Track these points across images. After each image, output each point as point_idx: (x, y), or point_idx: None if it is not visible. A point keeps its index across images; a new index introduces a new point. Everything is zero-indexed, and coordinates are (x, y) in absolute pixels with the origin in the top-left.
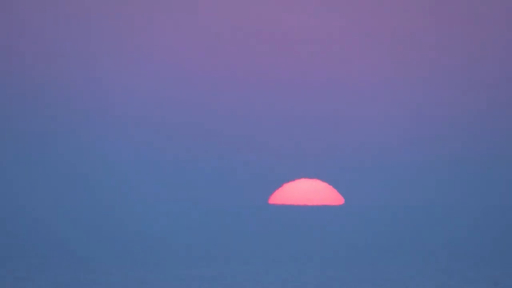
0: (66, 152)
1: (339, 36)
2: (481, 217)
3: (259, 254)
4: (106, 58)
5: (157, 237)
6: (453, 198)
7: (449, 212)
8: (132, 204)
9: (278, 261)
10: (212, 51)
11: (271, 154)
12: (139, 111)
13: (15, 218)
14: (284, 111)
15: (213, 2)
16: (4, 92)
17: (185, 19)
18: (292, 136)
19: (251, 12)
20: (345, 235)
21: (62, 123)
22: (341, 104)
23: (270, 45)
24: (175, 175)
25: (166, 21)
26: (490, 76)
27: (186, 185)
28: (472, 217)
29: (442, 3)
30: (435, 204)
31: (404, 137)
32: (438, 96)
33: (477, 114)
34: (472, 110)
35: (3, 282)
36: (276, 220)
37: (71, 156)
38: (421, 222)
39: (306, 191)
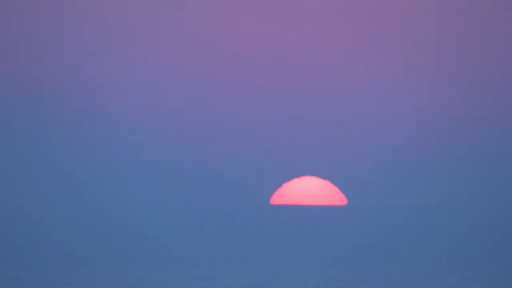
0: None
1: (343, 36)
2: (484, 217)
3: (259, 254)
4: (104, 59)
5: (157, 238)
6: (455, 198)
7: (451, 212)
8: (132, 204)
9: (278, 261)
10: (212, 51)
11: (272, 154)
12: (139, 111)
13: (11, 218)
14: (286, 110)
15: (212, 3)
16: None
17: (184, 19)
18: (295, 136)
19: (251, 13)
20: (347, 236)
21: (61, 123)
22: (344, 104)
23: (270, 44)
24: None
25: (164, 22)
26: (495, 76)
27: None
28: (475, 218)
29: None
30: (437, 205)
31: (408, 137)
32: (443, 97)
33: (482, 114)
34: (477, 111)
35: (2, 282)
36: (277, 220)
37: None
38: (423, 223)
39: (309, 191)
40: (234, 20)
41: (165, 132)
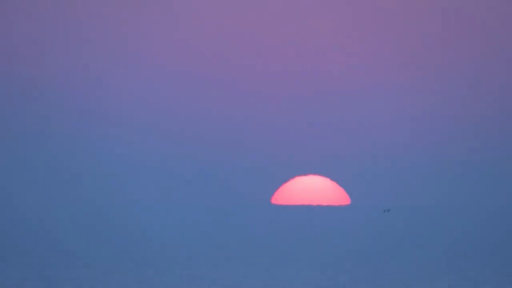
0: (65, 152)
1: (348, 35)
2: (487, 218)
3: (260, 254)
4: (104, 58)
5: (158, 238)
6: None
7: (454, 212)
8: (133, 204)
9: (279, 261)
10: (212, 50)
11: (272, 154)
12: (139, 111)
13: (8, 218)
14: (286, 110)
15: (211, 3)
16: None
17: (183, 20)
18: (295, 136)
19: (251, 13)
20: (348, 236)
21: (59, 123)
22: (346, 104)
23: (270, 43)
24: (176, 175)
25: (163, 22)
26: (498, 77)
27: (187, 185)
28: (478, 218)
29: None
30: (439, 205)
31: (411, 137)
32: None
33: (485, 115)
34: (480, 111)
35: (2, 282)
36: (278, 220)
37: (71, 156)
38: (425, 223)
39: (310, 190)
40: (233, 20)
41: (165, 132)
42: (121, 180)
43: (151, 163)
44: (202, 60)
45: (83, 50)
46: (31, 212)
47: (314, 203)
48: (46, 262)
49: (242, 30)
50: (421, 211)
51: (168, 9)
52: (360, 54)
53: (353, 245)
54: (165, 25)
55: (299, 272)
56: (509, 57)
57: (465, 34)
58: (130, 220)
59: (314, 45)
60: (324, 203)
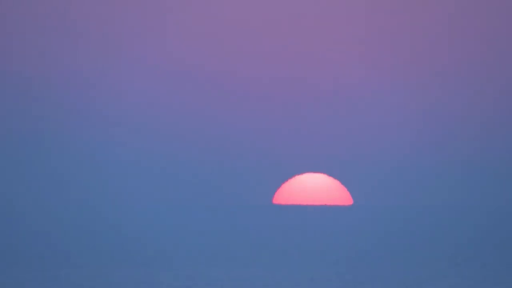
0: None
1: (354, 33)
2: (491, 218)
3: (260, 254)
4: (101, 58)
5: (158, 238)
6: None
7: (456, 212)
8: (133, 204)
9: (279, 262)
10: (212, 49)
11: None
12: (138, 110)
13: (10, 219)
14: (286, 110)
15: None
16: None
17: (182, 20)
18: (295, 136)
19: (251, 9)
20: (349, 237)
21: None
22: (348, 104)
23: (270, 43)
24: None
25: (162, 21)
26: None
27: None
28: (481, 218)
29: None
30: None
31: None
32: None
33: (489, 114)
34: (484, 110)
35: (1, 283)
36: (280, 220)
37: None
38: (427, 223)
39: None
40: (233, 19)
41: (165, 132)
42: (120, 179)
43: (151, 163)
44: (202, 60)
45: (81, 49)
46: (28, 212)
47: (317, 203)
48: (45, 262)
49: (242, 30)
50: (424, 212)
51: (168, 9)
52: (365, 52)
53: (355, 247)
54: (165, 25)
55: (300, 273)
56: None
57: (471, 33)
58: (129, 220)
59: (314, 45)
60: (327, 203)
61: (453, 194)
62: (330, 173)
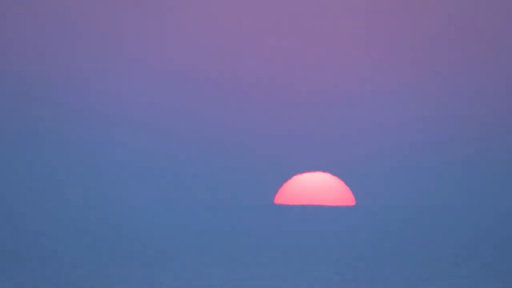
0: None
1: (355, 33)
2: (493, 218)
3: (260, 254)
4: (101, 58)
5: (158, 238)
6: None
7: (460, 213)
8: (133, 203)
9: (279, 262)
10: (211, 49)
11: (273, 154)
12: (139, 110)
13: (9, 219)
14: (286, 109)
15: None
16: None
17: (181, 20)
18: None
19: (251, 12)
20: (350, 237)
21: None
22: (349, 104)
23: (271, 42)
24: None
25: (162, 22)
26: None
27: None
28: (484, 218)
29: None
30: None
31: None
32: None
33: (491, 114)
34: (486, 111)
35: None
36: (281, 221)
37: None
38: (427, 223)
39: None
40: (233, 19)
41: (165, 132)
42: (120, 179)
43: (151, 163)
44: (202, 60)
45: (81, 49)
46: (31, 212)
47: (320, 203)
48: (46, 262)
49: (242, 30)
50: (425, 212)
51: (168, 9)
52: (367, 53)
53: (356, 247)
54: (164, 25)
55: (300, 273)
56: None
57: (472, 33)
58: (130, 220)
59: (315, 45)
60: (330, 203)
61: (454, 194)
62: (333, 173)
